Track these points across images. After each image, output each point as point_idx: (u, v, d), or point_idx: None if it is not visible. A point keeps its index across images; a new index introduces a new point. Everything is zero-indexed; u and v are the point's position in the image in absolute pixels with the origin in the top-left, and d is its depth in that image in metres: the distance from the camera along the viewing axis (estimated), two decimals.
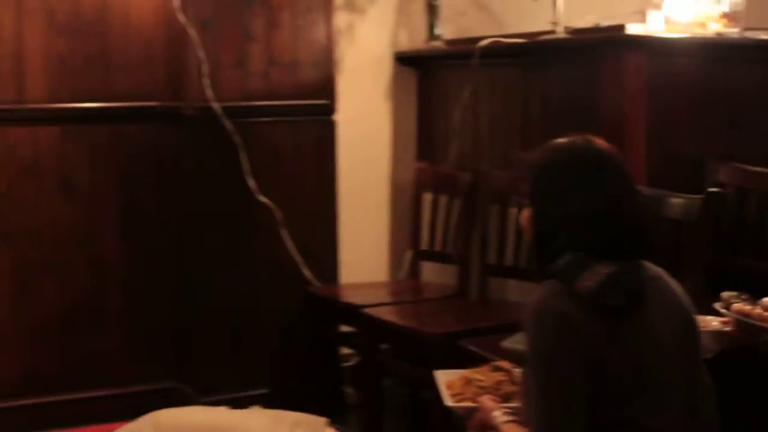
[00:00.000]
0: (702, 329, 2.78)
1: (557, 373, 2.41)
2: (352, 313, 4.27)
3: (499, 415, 2.67)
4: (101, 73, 4.48)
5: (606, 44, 3.91)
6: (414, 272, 4.76)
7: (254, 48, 4.49)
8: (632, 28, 3.86)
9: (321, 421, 3.94)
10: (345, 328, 4.64)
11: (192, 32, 4.35)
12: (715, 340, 2.98)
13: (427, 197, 4.71)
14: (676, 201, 3.48)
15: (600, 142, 2.55)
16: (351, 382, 4.76)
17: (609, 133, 2.88)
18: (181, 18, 4.35)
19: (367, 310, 4.15)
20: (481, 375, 2.99)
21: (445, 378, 3.02)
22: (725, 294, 3.17)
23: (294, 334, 4.61)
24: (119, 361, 4.60)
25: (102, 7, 4.46)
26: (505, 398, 2.79)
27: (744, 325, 3.01)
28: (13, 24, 4.32)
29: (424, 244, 4.71)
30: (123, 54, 4.50)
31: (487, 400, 2.78)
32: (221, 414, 3.86)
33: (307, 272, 4.63)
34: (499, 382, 2.91)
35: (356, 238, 4.98)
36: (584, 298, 2.37)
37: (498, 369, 3.00)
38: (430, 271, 4.76)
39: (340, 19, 4.83)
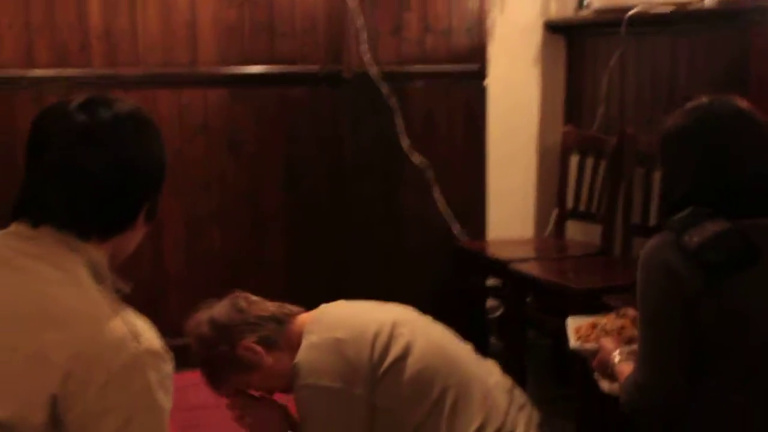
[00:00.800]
0: None
1: (658, 316, 2.44)
2: (499, 267, 4.26)
3: (616, 355, 2.70)
4: (267, 39, 4.53)
5: (754, 12, 3.77)
6: (559, 230, 4.72)
7: (410, 16, 4.50)
8: None
9: None
10: (491, 282, 4.64)
11: (351, 1, 4.40)
12: None
13: (574, 159, 4.66)
14: None
15: (736, 101, 2.53)
16: (496, 332, 4.78)
17: (755, 98, 2.78)
18: None
19: (514, 265, 4.14)
20: (606, 320, 3.02)
21: (574, 323, 3.06)
22: None
23: (442, 286, 4.59)
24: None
25: None
26: (627, 341, 2.80)
27: None
28: None
29: (570, 204, 4.66)
30: (287, 22, 4.54)
31: (607, 342, 2.81)
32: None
33: (456, 228, 4.65)
34: (623, 327, 2.92)
35: (504, 197, 4.96)
36: (688, 251, 2.36)
37: (623, 315, 3.01)
38: (574, 230, 4.72)
39: None
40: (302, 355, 2.77)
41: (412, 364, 2.75)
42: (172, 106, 4.47)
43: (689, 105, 2.57)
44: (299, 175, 4.69)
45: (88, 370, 1.72)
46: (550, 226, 4.86)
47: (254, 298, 2.98)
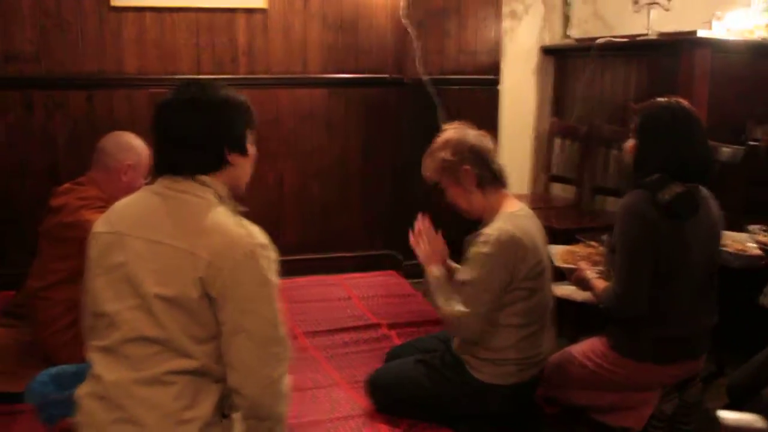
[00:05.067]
0: (727, 248, 2.91)
1: (636, 249, 2.50)
2: None
3: (589, 273, 2.76)
4: (353, 55, 4.61)
5: (683, 43, 3.80)
6: (546, 189, 4.73)
7: (449, 41, 4.48)
8: (702, 33, 3.77)
9: None
10: None
11: (411, 30, 4.41)
12: (736, 258, 2.95)
13: (557, 141, 4.71)
14: (726, 150, 3.43)
15: (685, 102, 2.58)
16: None
17: None
18: (405, 21, 4.43)
19: None
20: (578, 249, 3.06)
21: (556, 250, 3.01)
22: (751, 227, 3.15)
23: (465, 224, 4.39)
24: (357, 234, 4.80)
25: (355, 13, 4.57)
26: (594, 264, 2.83)
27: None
28: (302, 24, 4.51)
29: (554, 170, 4.70)
30: (367, 43, 4.62)
31: (583, 263, 2.85)
32: None
33: None
34: (590, 254, 2.97)
35: (510, 166, 4.46)
36: (661, 205, 2.45)
37: (589, 245, 3.06)
38: (557, 189, 4.76)
39: (505, 23, 4.80)
40: (501, 220, 2.60)
41: (535, 287, 2.63)
42: (289, 100, 4.55)
43: (660, 101, 2.58)
44: (373, 148, 4.73)
45: (222, 260, 1.80)
46: (540, 186, 4.86)
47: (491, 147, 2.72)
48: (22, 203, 4.21)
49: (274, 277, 1.87)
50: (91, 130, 4.11)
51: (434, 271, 2.75)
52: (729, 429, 2.24)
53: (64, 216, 3.02)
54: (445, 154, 2.68)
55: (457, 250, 2.84)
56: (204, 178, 1.92)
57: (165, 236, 1.84)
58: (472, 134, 2.71)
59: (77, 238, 2.93)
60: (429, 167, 2.74)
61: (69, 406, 1.94)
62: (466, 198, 2.71)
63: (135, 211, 1.93)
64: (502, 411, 2.75)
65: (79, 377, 2.11)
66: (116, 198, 3.14)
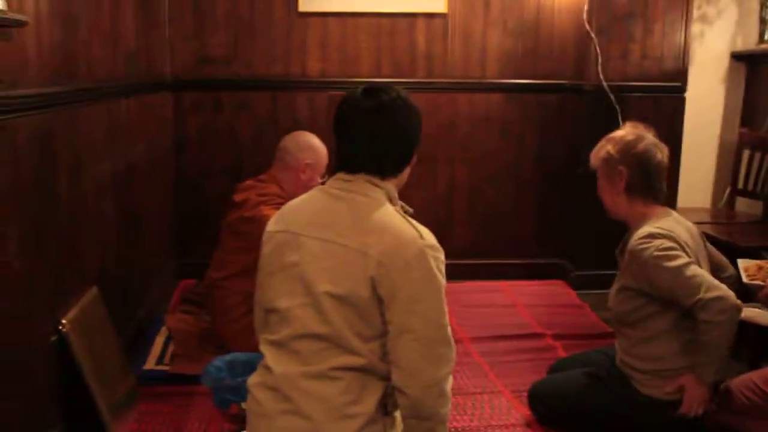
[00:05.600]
0: None
1: None
2: None
3: None
4: (532, 60, 4.60)
5: None
6: (731, 203, 4.61)
7: (634, 46, 4.37)
8: None
9: None
10: None
11: (593, 35, 4.34)
12: None
13: (746, 152, 4.54)
14: None
15: None
16: None
17: None
18: (587, 26, 4.36)
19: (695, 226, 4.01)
20: None
21: (743, 264, 2.95)
22: None
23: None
24: (527, 241, 4.77)
25: (536, 19, 4.56)
26: None
27: None
28: (481, 30, 4.54)
29: (740, 184, 4.57)
30: (547, 48, 4.59)
31: None
32: None
33: None
34: None
35: (692, 177, 4.80)
36: None
37: None
38: (742, 204, 4.62)
39: (695, 27, 4.67)
40: (647, 224, 2.59)
41: None
42: (467, 104, 4.59)
43: None
44: (548, 154, 4.69)
45: (392, 259, 1.83)
46: (724, 200, 4.73)
47: (663, 167, 2.69)
48: (209, 198, 4.45)
49: (442, 279, 1.88)
50: (274, 129, 4.29)
51: None
52: None
53: (244, 210, 3.21)
54: (611, 149, 2.69)
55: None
56: (377, 179, 1.96)
57: (337, 236, 1.89)
58: (647, 141, 2.68)
59: (255, 233, 3.11)
60: (595, 154, 2.76)
61: (240, 392, 2.05)
62: (611, 196, 2.73)
63: (308, 211, 1.99)
64: (670, 429, 2.64)
65: (250, 365, 2.25)
66: (295, 195, 3.35)
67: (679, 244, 2.54)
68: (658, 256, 2.51)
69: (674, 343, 2.60)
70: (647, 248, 2.53)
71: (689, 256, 2.53)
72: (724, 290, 2.43)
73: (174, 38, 4.37)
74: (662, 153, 2.70)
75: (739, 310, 2.43)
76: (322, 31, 4.44)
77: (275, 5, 4.40)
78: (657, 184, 2.68)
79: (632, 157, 2.65)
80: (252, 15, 4.39)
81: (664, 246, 2.51)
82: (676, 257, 2.49)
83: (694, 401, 2.54)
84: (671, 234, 2.55)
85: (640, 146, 2.66)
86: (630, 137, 2.69)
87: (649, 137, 2.71)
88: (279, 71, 4.45)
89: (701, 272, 2.49)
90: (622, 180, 2.66)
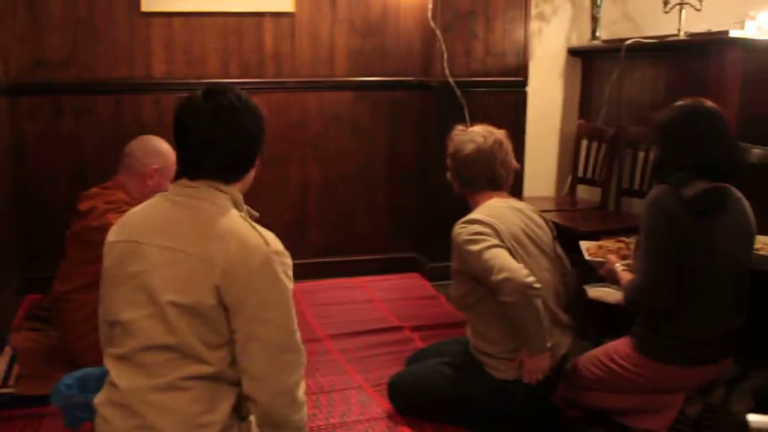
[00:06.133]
0: (759, 251, 2.87)
1: (659, 242, 2.53)
2: None
3: (619, 266, 2.82)
4: (380, 58, 4.62)
5: (714, 44, 3.80)
6: (572, 191, 4.73)
7: (477, 43, 4.46)
8: (734, 33, 3.74)
9: None
10: None
11: (438, 33, 4.39)
12: (766, 260, 2.92)
13: (584, 142, 4.69)
14: (756, 151, 3.37)
15: (709, 103, 2.60)
16: None
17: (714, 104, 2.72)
18: (432, 24, 4.40)
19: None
20: (609, 243, 3.15)
21: (585, 245, 3.16)
22: None
23: None
24: (382, 237, 4.80)
25: (382, 17, 4.58)
26: (623, 258, 2.90)
27: None
28: (329, 29, 4.52)
29: (580, 173, 4.68)
30: (394, 46, 4.63)
31: (611, 257, 2.92)
32: None
33: None
34: (620, 248, 3.04)
35: (536, 168, 4.94)
36: (684, 200, 2.48)
37: (619, 240, 3.13)
38: (583, 191, 4.74)
39: (533, 25, 4.79)
40: (477, 212, 2.74)
41: None
42: (317, 103, 4.57)
43: (677, 104, 2.63)
44: (399, 150, 4.74)
45: (238, 267, 1.80)
46: (566, 188, 4.86)
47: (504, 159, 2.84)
48: (53, 208, 4.26)
49: (289, 284, 1.87)
50: (120, 134, 4.12)
51: None
52: None
53: (90, 220, 3.08)
54: (449, 149, 2.87)
55: None
56: (221, 184, 1.92)
57: (181, 243, 1.84)
58: (461, 137, 2.85)
59: (103, 242, 3.00)
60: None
61: (93, 409, 1.96)
62: (461, 193, 2.90)
63: (151, 218, 1.94)
64: (524, 410, 2.76)
65: (104, 380, 2.14)
66: (144, 201, 3.26)
67: (494, 230, 2.64)
68: (466, 240, 2.64)
69: (505, 326, 2.66)
70: (460, 233, 2.67)
71: (502, 242, 2.63)
72: (512, 271, 2.51)
73: (5, 40, 4.14)
74: (476, 144, 2.80)
75: (530, 287, 2.51)
76: (166, 32, 4.31)
77: (115, 5, 4.24)
78: (468, 175, 2.82)
79: (451, 155, 2.85)
80: (91, 15, 4.22)
81: (473, 231, 2.64)
82: (480, 241, 2.60)
83: (532, 372, 2.65)
84: (486, 220, 2.67)
85: (453, 143, 2.85)
86: (454, 136, 2.88)
87: (468, 132, 2.85)
88: (122, 73, 4.30)
89: (498, 254, 2.57)
90: (454, 180, 2.86)
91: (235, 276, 1.80)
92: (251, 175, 2.03)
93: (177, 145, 1.96)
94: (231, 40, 4.40)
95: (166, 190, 3.20)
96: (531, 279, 2.53)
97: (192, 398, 1.82)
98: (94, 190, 3.26)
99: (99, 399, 1.92)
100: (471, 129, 2.88)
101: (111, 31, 4.25)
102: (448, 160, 2.88)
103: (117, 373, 1.87)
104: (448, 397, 2.81)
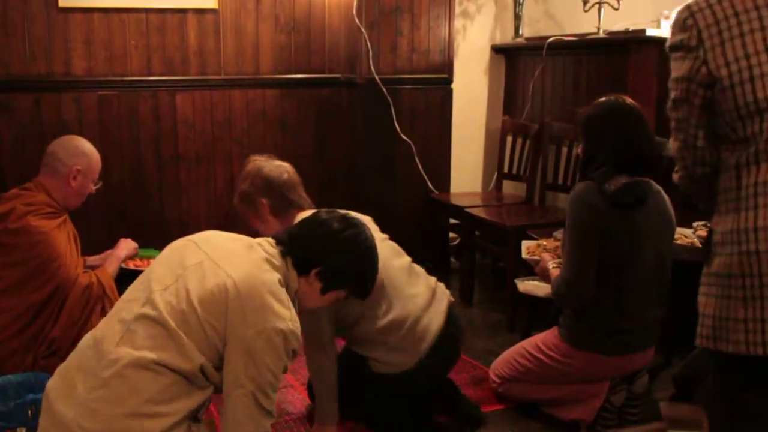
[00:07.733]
0: (677, 241, 2.95)
1: (583, 236, 2.58)
2: (458, 211, 4.31)
3: (551, 264, 2.86)
4: (306, 55, 4.61)
5: (632, 42, 3.89)
6: (498, 186, 4.78)
7: (402, 40, 4.48)
8: (650, 32, 3.83)
9: None
10: (453, 221, 4.66)
11: (363, 30, 4.39)
12: (684, 250, 3.01)
13: (509, 139, 4.72)
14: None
15: (629, 100, 2.66)
16: (455, 255, 4.86)
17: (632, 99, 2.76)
18: (357, 21, 4.40)
19: (468, 209, 4.18)
20: (546, 242, 3.19)
21: (525, 244, 3.21)
22: (695, 223, 3.25)
23: (421, 224, 4.61)
24: None
25: (308, 14, 4.56)
26: (559, 257, 2.93)
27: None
28: (254, 25, 4.48)
29: (506, 169, 4.72)
30: (319, 43, 4.62)
31: (546, 255, 2.97)
32: None
33: (430, 184, 4.64)
34: (556, 247, 3.07)
35: (463, 164, 4.99)
36: (607, 195, 2.54)
37: (557, 240, 3.16)
38: (508, 186, 4.79)
39: (458, 22, 4.84)
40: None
41: None
42: (242, 100, 4.52)
43: (600, 100, 2.68)
44: (327, 148, 4.73)
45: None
46: (492, 184, 4.91)
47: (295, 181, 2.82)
48: None
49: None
50: (39, 134, 4.04)
51: None
52: (670, 419, 2.26)
53: (9, 222, 2.96)
54: (244, 186, 2.79)
55: None
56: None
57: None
58: (268, 166, 2.80)
59: (24, 245, 2.91)
60: (235, 200, 2.85)
61: (14, 417, 1.90)
62: (263, 224, 2.80)
63: None
64: (409, 399, 2.73)
65: (24, 387, 2.07)
66: (67, 203, 3.16)
67: None
68: None
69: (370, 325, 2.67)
70: None
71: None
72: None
73: None
74: (285, 169, 2.82)
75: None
76: (86, 28, 4.17)
77: (31, 0, 4.10)
78: (294, 196, 2.79)
79: (265, 186, 2.75)
80: (4, 10, 4.06)
81: None
82: None
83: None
84: None
85: (264, 173, 2.77)
86: (252, 170, 2.79)
87: (267, 162, 2.82)
88: (41, 70, 4.14)
89: None
90: (266, 208, 2.75)
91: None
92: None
93: None
94: (153, 36, 4.30)
95: (89, 192, 3.16)
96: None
97: (161, 384, 1.86)
98: (13, 191, 3.13)
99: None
100: (259, 161, 2.85)
101: (27, 27, 4.09)
102: (261, 194, 2.76)
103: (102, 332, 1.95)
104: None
